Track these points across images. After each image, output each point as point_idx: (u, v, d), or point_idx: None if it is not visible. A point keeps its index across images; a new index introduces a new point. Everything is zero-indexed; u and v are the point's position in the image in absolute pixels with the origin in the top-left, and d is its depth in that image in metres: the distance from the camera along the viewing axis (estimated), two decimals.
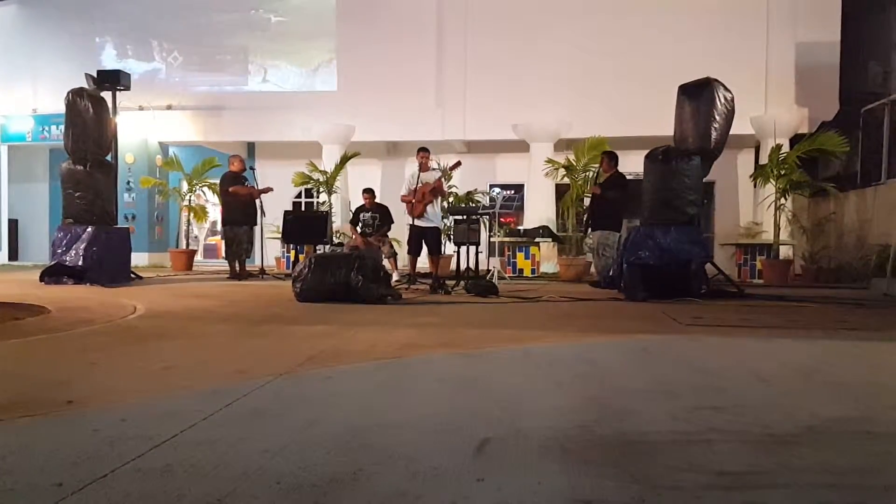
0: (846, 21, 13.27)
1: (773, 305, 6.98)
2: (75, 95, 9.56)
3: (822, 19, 13.24)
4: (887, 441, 2.21)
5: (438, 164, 10.10)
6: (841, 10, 13.20)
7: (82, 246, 9.04)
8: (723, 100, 7.83)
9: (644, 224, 7.94)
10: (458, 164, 9.34)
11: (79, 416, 2.37)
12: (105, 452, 1.93)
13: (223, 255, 12.00)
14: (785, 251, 11.97)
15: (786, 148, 12.26)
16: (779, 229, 11.51)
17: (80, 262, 8.94)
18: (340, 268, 6.73)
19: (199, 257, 16.25)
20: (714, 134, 7.78)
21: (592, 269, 11.42)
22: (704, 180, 8.14)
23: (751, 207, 14.06)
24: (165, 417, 2.33)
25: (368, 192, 11.02)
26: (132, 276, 9.91)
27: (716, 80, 7.85)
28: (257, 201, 10.95)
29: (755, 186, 12.96)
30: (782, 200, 11.53)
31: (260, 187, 11.09)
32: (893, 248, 8.35)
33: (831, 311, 6.43)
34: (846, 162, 12.95)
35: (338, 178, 14.05)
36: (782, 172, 11.38)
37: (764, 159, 12.37)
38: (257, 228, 11.12)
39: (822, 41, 13.22)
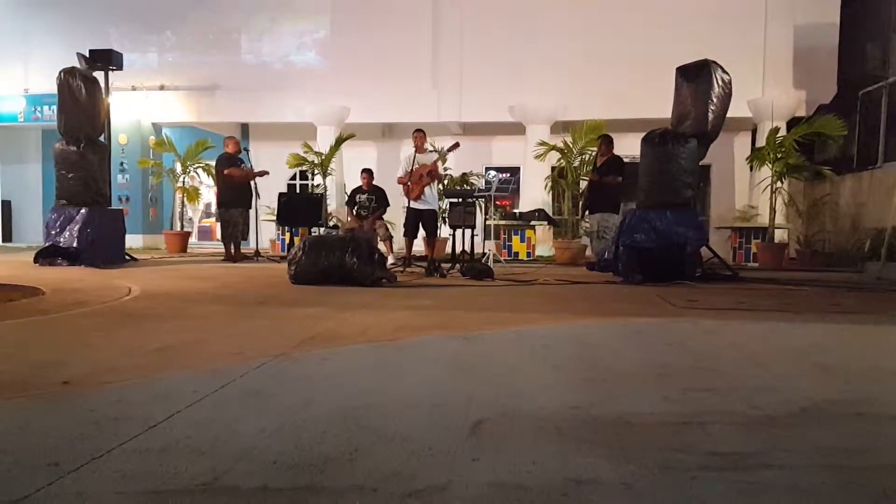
0: (845, 3, 13.25)
1: (767, 288, 7.00)
2: (67, 75, 9.49)
3: (820, 2, 13.22)
4: (879, 423, 2.23)
5: (433, 146, 10.07)
6: None
7: (76, 227, 9.02)
8: (720, 82, 7.80)
9: (640, 207, 7.94)
10: (457, 145, 9.31)
11: (74, 397, 2.37)
12: (101, 433, 1.93)
13: (218, 236, 11.98)
14: (780, 235, 12.01)
15: (783, 131, 12.26)
16: (774, 213, 11.53)
17: (75, 244, 8.92)
18: (335, 250, 6.71)
19: (193, 239, 16.25)
20: (711, 116, 7.75)
21: (588, 252, 11.44)
22: (701, 163, 8.13)
23: (747, 191, 14.08)
24: (161, 398, 2.33)
25: (367, 173, 10.99)
26: (127, 257, 9.89)
27: (713, 62, 7.82)
28: (252, 183, 10.92)
29: (752, 170, 12.97)
30: (778, 184, 11.55)
31: (255, 169, 11.05)
32: (888, 232, 8.37)
33: (825, 295, 6.45)
34: (843, 145, 12.95)
35: (333, 159, 14.00)
36: (779, 156, 11.38)
37: (761, 142, 12.37)
38: (252, 211, 11.09)
39: (821, 23, 13.20)
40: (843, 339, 4.03)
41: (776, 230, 11.63)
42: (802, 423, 2.17)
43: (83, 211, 9.13)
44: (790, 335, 4.07)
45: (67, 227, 9.05)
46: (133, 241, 13.35)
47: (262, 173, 11.04)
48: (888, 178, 10.78)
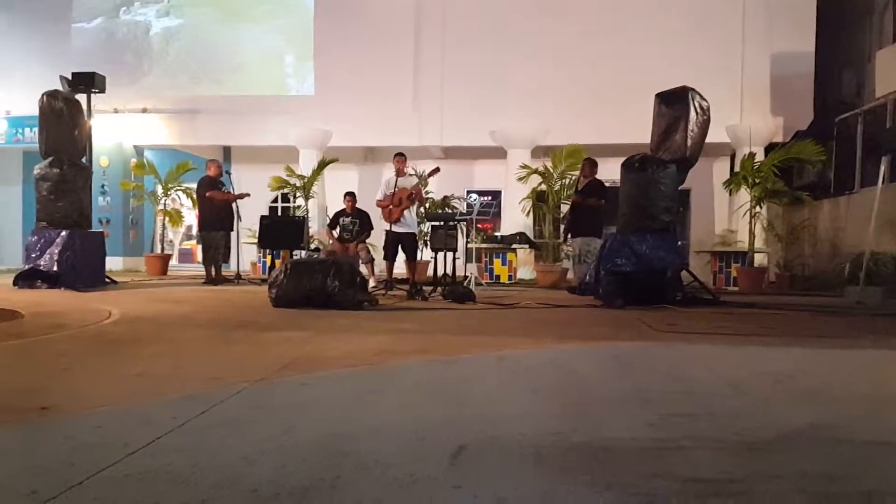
0: (820, 31, 13.51)
1: (747, 313, 7.05)
2: (49, 98, 9.47)
3: (796, 30, 13.45)
4: (859, 448, 2.24)
5: (415, 171, 10.12)
6: (815, 21, 13.42)
7: (56, 250, 8.93)
8: (699, 108, 7.90)
9: (620, 231, 8.00)
10: (437, 170, 9.36)
11: (53, 423, 2.35)
12: (80, 459, 1.92)
13: (199, 259, 11.91)
14: (760, 259, 12.11)
15: (761, 156, 12.41)
16: (754, 237, 11.64)
17: (55, 267, 8.83)
18: (317, 273, 6.70)
19: (174, 262, 16.13)
20: (690, 142, 7.84)
21: (570, 276, 11.48)
22: (680, 188, 8.21)
23: (726, 215, 14.22)
24: (141, 424, 2.32)
25: (350, 196, 10.98)
26: (107, 280, 9.81)
27: (692, 89, 7.93)
28: (234, 206, 10.90)
29: (730, 194, 13.10)
30: (757, 208, 11.67)
31: (236, 192, 11.03)
32: (866, 256, 8.47)
33: (805, 319, 6.51)
34: (820, 171, 13.14)
35: (315, 182, 14.00)
36: (757, 181, 11.51)
37: (740, 168, 12.52)
38: (233, 233, 11.05)
39: (797, 51, 13.43)
40: (823, 363, 4.06)
41: (756, 254, 11.74)
42: (783, 448, 2.18)
43: (63, 233, 9.05)
44: (770, 359, 4.09)
45: (48, 250, 8.96)
46: (113, 263, 13.24)
47: (243, 195, 11.01)
48: (866, 203, 10.91)
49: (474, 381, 3.30)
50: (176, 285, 10.36)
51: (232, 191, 11.02)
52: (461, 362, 3.80)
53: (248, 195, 11.12)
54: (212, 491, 1.70)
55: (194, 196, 12.17)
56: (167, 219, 14.64)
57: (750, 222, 11.62)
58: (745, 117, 13.38)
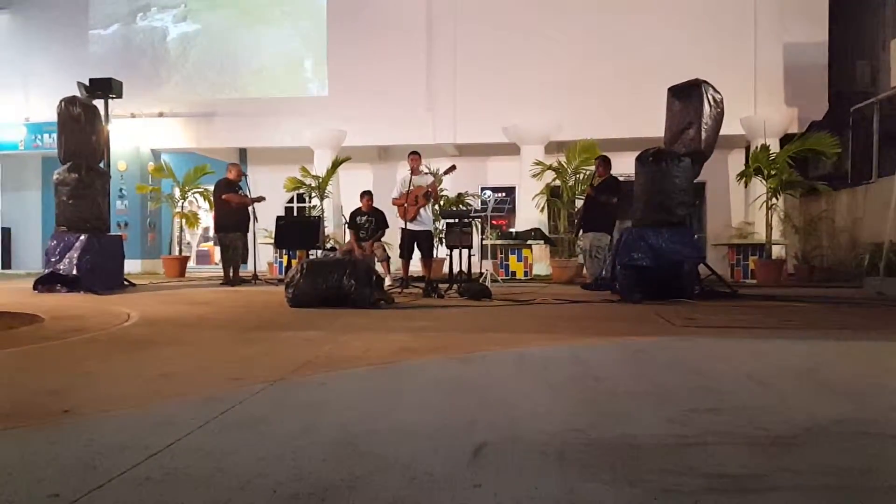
0: (834, 20, 13.37)
1: (766, 305, 7.00)
2: (67, 104, 9.55)
3: (809, 19, 13.33)
4: (884, 441, 2.22)
5: (429, 168, 10.10)
6: (828, 10, 13.29)
7: (76, 254, 9.01)
8: (712, 101, 7.86)
9: (636, 226, 7.96)
10: (453, 167, 9.34)
11: (75, 426, 2.36)
12: (101, 462, 1.92)
13: (216, 260, 11.98)
14: (777, 251, 12.02)
15: (776, 148, 12.31)
16: (770, 229, 11.55)
17: (74, 271, 8.91)
18: (333, 272, 6.71)
19: (191, 263, 16.25)
20: (704, 135, 7.80)
21: (584, 271, 11.44)
22: (695, 181, 8.16)
23: (742, 207, 14.11)
24: (161, 426, 2.32)
25: (367, 195, 11.02)
26: (125, 283, 9.88)
27: (705, 82, 7.88)
28: (251, 208, 10.96)
29: (745, 186, 13.01)
30: (774, 200, 11.58)
31: (252, 195, 11.09)
32: (886, 246, 8.38)
33: (825, 311, 6.45)
34: (837, 161, 13.01)
35: (330, 182, 14.04)
36: (773, 172, 11.42)
37: (752, 160, 12.43)
38: (250, 234, 11.11)
39: (811, 41, 13.30)
40: (845, 355, 4.02)
41: (773, 246, 11.65)
42: (806, 442, 2.16)
43: (82, 237, 9.13)
44: (791, 353, 4.06)
45: (67, 254, 9.04)
46: (132, 266, 13.35)
47: (259, 199, 11.08)
48: (883, 193, 10.81)
49: (493, 379, 3.29)
50: (194, 287, 10.42)
51: (248, 194, 11.07)
52: (479, 360, 3.79)
53: (263, 199, 11.19)
54: (232, 492, 1.70)
55: (210, 198, 12.24)
56: (184, 221, 14.73)
57: (766, 214, 11.53)
58: (759, 109, 13.26)
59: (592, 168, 11.02)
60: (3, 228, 17.14)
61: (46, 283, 8.93)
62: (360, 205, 11.07)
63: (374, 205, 11.06)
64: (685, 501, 1.65)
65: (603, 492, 1.70)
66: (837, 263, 11.80)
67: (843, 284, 9.98)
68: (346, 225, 11.39)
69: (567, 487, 1.73)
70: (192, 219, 14.97)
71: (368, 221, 10.85)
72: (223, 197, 10.73)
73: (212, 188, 11.68)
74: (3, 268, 16.63)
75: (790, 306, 6.88)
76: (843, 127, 12.58)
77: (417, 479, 1.79)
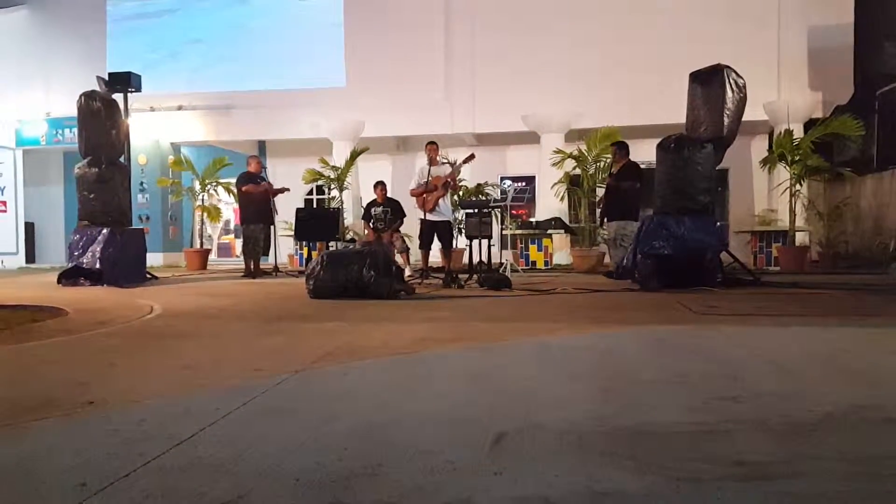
0: (859, 2, 13.13)
1: (789, 293, 6.94)
2: (87, 98, 9.61)
3: (834, 2, 13.11)
4: None
5: (447, 158, 10.08)
6: None
7: (98, 248, 9.10)
8: (734, 86, 7.77)
9: (657, 213, 7.90)
10: (472, 156, 9.32)
11: (100, 417, 2.39)
12: (126, 452, 1.95)
13: (237, 253, 12.06)
14: (801, 237, 11.89)
15: (800, 133, 12.15)
16: (794, 215, 11.43)
17: (97, 264, 9.00)
18: (353, 264, 6.74)
19: (212, 256, 16.35)
20: (726, 121, 7.71)
21: (607, 260, 11.39)
22: (718, 168, 8.09)
23: (765, 194, 13.95)
24: (184, 416, 2.35)
25: (380, 186, 11.02)
26: (148, 276, 9.97)
27: (727, 67, 7.79)
28: (272, 200, 10.99)
29: (769, 173, 12.86)
30: (797, 186, 11.44)
31: (275, 187, 11.12)
32: None
33: (848, 298, 6.38)
34: (862, 146, 12.82)
35: (349, 173, 14.06)
36: (797, 158, 11.28)
37: (776, 145, 12.29)
38: (271, 227, 11.15)
39: (835, 24, 13.09)
40: (868, 343, 3.98)
41: (797, 233, 11.52)
42: (829, 430, 2.14)
43: (105, 231, 9.21)
44: (814, 340, 4.02)
45: (90, 248, 9.13)
46: (153, 259, 13.48)
47: (283, 190, 11.13)
48: None
49: (513, 368, 3.29)
50: (215, 279, 10.50)
51: (269, 183, 11.09)
52: (499, 349, 3.79)
53: (287, 190, 11.25)
54: (255, 480, 1.72)
55: (233, 191, 12.33)
56: (205, 214, 14.83)
57: (790, 200, 11.40)
58: (782, 94, 13.09)
59: (611, 157, 10.91)
60: (26, 223, 17.33)
61: (70, 276, 9.03)
62: (374, 196, 11.07)
63: (394, 195, 11.06)
64: (706, 489, 1.64)
65: (623, 479, 1.70)
66: (862, 250, 11.66)
67: (867, 271, 9.86)
68: (362, 217, 11.40)
69: (587, 475, 1.74)
70: (213, 212, 15.06)
71: (384, 212, 10.85)
72: (243, 189, 10.79)
73: (232, 181, 11.74)
74: (27, 262, 16.83)
75: (813, 294, 6.81)
76: (869, 111, 12.40)
77: (438, 467, 1.80)
